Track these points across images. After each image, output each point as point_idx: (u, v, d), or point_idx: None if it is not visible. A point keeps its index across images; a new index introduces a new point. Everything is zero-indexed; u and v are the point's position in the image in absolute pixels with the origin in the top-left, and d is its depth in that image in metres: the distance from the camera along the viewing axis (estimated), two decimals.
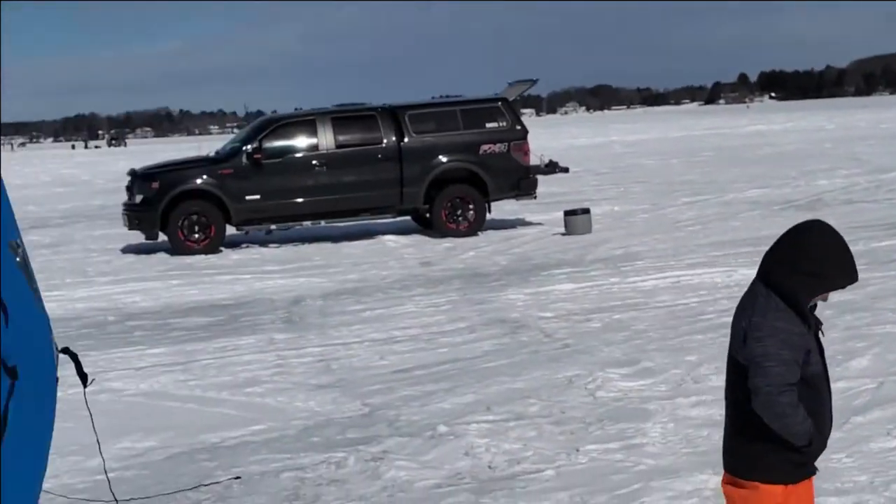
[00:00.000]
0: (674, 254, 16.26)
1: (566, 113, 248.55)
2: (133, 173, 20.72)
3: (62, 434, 5.18)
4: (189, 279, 16.76)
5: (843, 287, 4.20)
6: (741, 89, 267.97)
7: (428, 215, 21.04)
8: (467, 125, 20.94)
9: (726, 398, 4.38)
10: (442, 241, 19.85)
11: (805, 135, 53.15)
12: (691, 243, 17.32)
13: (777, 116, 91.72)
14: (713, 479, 6.14)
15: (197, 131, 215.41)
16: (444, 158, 20.74)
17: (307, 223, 20.63)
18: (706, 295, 12.77)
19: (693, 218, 20.88)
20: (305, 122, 20.73)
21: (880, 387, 8.35)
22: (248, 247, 20.21)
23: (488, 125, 21.06)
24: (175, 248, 19.85)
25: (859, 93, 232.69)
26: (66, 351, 4.94)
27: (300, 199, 20.18)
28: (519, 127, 21.24)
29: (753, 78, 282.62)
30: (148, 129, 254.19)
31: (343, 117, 20.87)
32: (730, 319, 4.33)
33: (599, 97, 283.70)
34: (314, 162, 20.26)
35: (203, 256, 19.29)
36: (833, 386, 4.42)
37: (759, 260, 4.30)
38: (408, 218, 21.82)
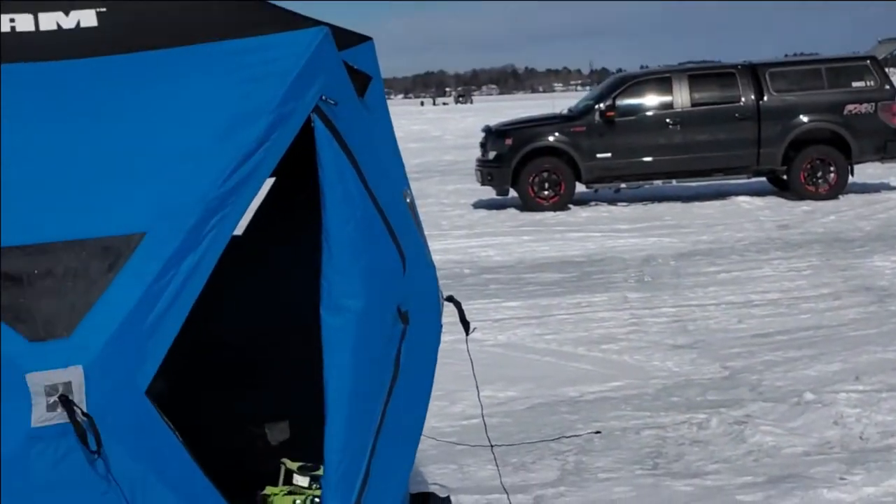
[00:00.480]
0: None
1: None
2: (487, 130, 21.14)
3: None
4: (540, 235, 16.96)
5: None
6: None
7: (785, 177, 20.37)
8: (832, 84, 20.11)
9: None
10: (800, 204, 19.17)
11: None
12: None
13: None
14: None
15: (541, 88, 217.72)
16: (805, 118, 19.99)
17: (657, 182, 20.43)
18: None
19: None
20: (660, 79, 20.49)
21: None
22: (596, 204, 20.24)
23: (854, 84, 20.14)
24: (525, 204, 20.13)
25: None
26: (450, 299, 5.07)
27: (651, 158, 19.99)
28: (888, 87, 20.20)
29: None
30: (493, 86, 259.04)
31: (700, 75, 20.49)
32: None
33: None
34: (668, 120, 20.01)
35: (552, 213, 19.46)
36: None
37: None
38: (762, 179, 21.22)
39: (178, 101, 3.87)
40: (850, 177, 20.12)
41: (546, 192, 20.11)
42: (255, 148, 3.85)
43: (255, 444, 5.25)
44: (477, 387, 5.51)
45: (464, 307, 5.10)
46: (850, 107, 19.94)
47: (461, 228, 18.12)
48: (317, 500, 4.46)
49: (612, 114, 19.97)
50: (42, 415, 3.38)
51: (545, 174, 20.10)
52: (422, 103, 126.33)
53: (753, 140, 19.98)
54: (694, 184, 20.80)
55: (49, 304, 3.46)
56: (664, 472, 6.43)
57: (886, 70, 21.87)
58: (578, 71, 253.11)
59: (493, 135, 20.75)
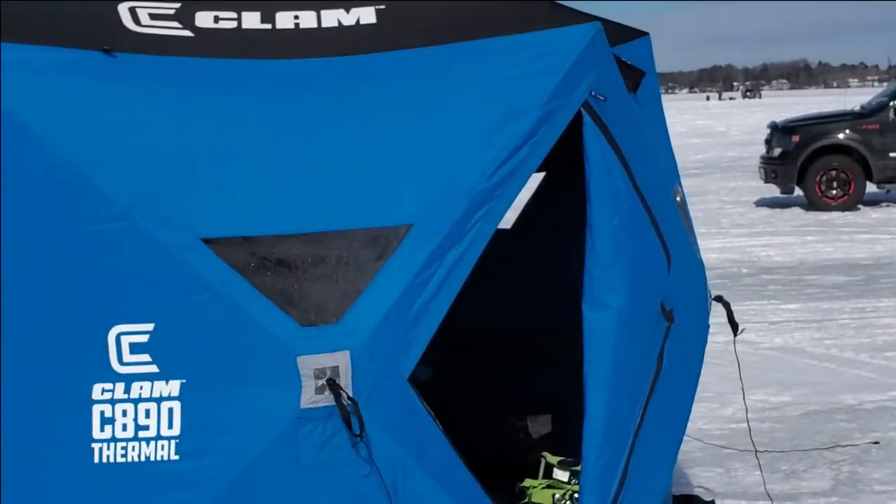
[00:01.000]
0: None
1: None
2: (774, 126, 20.57)
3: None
4: (826, 236, 16.37)
5: None
6: None
7: None
8: None
9: None
10: None
11: None
12: None
13: None
14: None
15: (835, 84, 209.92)
16: None
17: None
18: None
19: None
20: None
21: None
22: (888, 205, 19.39)
23: None
24: (811, 204, 19.48)
25: None
26: (718, 299, 4.98)
27: None
28: None
29: None
30: (784, 80, 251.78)
31: None
32: None
33: None
34: None
35: (839, 213, 18.75)
36: None
37: None
38: None
39: (451, 97, 3.96)
40: None
41: (834, 192, 19.39)
42: (522, 143, 3.90)
43: (517, 436, 5.31)
44: (742, 390, 5.39)
45: (740, 308, 4.99)
46: None
47: (741, 227, 17.70)
48: (576, 495, 4.47)
49: None
50: (310, 397, 3.52)
51: (833, 173, 19.39)
52: (707, 98, 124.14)
53: None
54: None
55: (320, 290, 3.60)
56: None
57: None
58: (876, 66, 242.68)
59: (780, 131, 20.17)
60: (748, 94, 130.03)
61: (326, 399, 3.52)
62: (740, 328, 4.92)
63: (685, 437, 6.14)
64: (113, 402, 3.49)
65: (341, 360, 3.55)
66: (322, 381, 3.52)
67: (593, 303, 4.10)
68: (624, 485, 4.21)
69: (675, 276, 4.46)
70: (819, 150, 19.43)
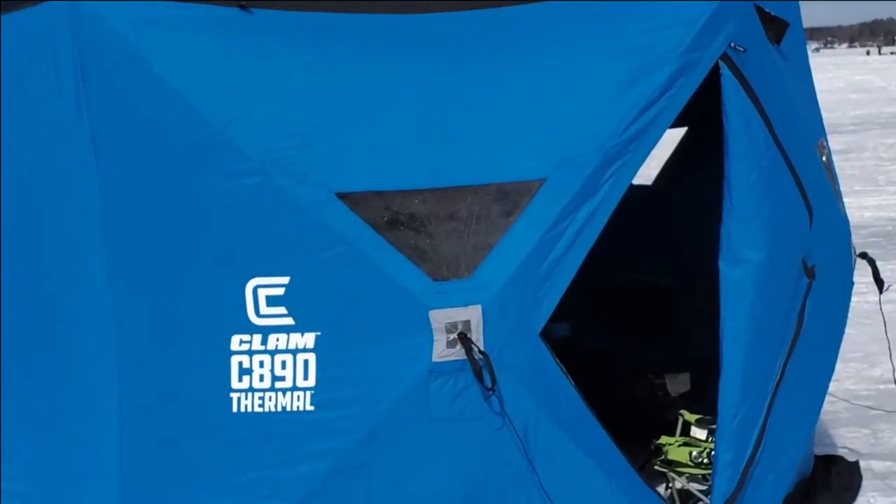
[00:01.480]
0: None
1: None
2: None
3: (846, 340, 5.11)
4: None
5: None
6: None
7: None
8: None
9: None
10: None
11: None
12: None
13: None
14: None
15: None
16: None
17: None
18: None
19: None
20: None
21: None
22: None
23: None
24: None
25: None
26: (863, 256, 4.84)
27: None
28: None
29: None
30: None
31: None
32: None
33: None
34: None
35: None
36: None
37: None
38: None
39: (584, 51, 3.91)
40: None
41: None
42: (657, 97, 3.83)
43: (655, 394, 5.26)
44: (889, 349, 5.23)
45: (892, 266, 4.84)
46: None
47: None
48: (713, 454, 4.42)
49: None
50: (442, 350, 3.55)
51: None
52: (867, 52, 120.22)
53: None
54: None
55: (452, 245, 3.62)
56: None
57: None
58: None
59: None
60: None
61: (458, 353, 3.54)
62: (886, 285, 4.78)
63: (831, 398, 6.02)
64: (251, 353, 3.58)
65: (473, 315, 3.56)
66: (454, 336, 3.55)
67: (731, 258, 4.03)
68: (761, 444, 4.15)
69: (818, 232, 4.35)
70: None
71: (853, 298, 5.01)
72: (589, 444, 3.80)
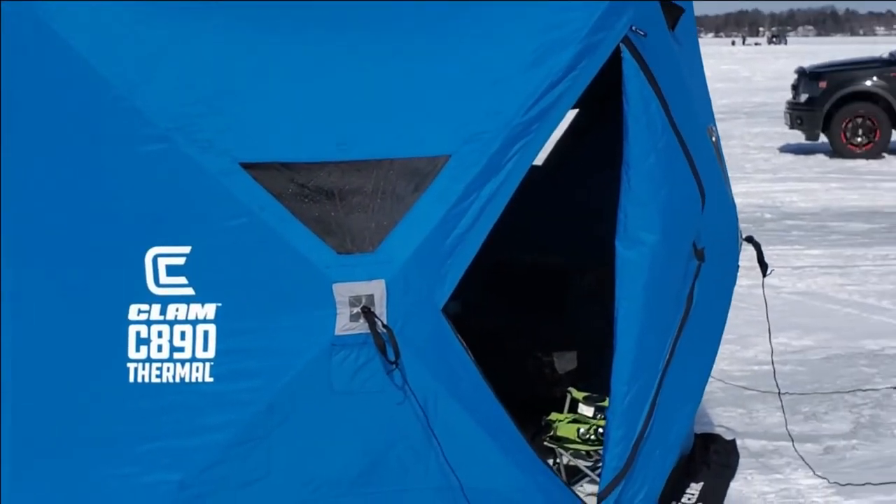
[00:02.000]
0: None
1: None
2: (801, 72, 20.37)
3: None
4: (850, 183, 16.27)
5: None
6: None
7: None
8: None
9: None
10: None
11: None
12: None
13: None
14: None
15: (861, 32, 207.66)
16: None
17: None
18: None
19: None
20: None
21: None
22: None
23: None
24: (835, 151, 19.32)
25: None
26: (749, 240, 4.97)
27: None
28: None
29: None
30: (809, 27, 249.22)
31: None
32: None
33: None
34: None
35: (864, 161, 18.60)
36: None
37: None
38: None
39: (491, 29, 3.92)
40: None
41: (859, 139, 19.21)
42: (561, 76, 3.87)
43: (543, 371, 5.33)
44: (769, 332, 5.39)
45: (763, 252, 4.97)
46: None
47: (765, 172, 17.60)
48: (600, 430, 4.50)
49: None
50: (345, 324, 3.55)
51: (859, 120, 19.19)
52: (733, 43, 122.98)
53: None
54: None
55: (358, 219, 3.61)
56: None
57: None
58: None
59: (807, 77, 19.96)
60: (774, 39, 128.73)
61: (361, 326, 3.54)
62: (769, 269, 4.91)
63: (709, 379, 6.17)
64: (149, 322, 3.53)
65: (376, 289, 3.57)
66: (357, 309, 3.54)
67: (627, 240, 4.09)
68: (651, 421, 4.24)
69: (708, 216, 4.45)
70: (846, 96, 19.22)
71: None
72: (486, 419, 3.83)
